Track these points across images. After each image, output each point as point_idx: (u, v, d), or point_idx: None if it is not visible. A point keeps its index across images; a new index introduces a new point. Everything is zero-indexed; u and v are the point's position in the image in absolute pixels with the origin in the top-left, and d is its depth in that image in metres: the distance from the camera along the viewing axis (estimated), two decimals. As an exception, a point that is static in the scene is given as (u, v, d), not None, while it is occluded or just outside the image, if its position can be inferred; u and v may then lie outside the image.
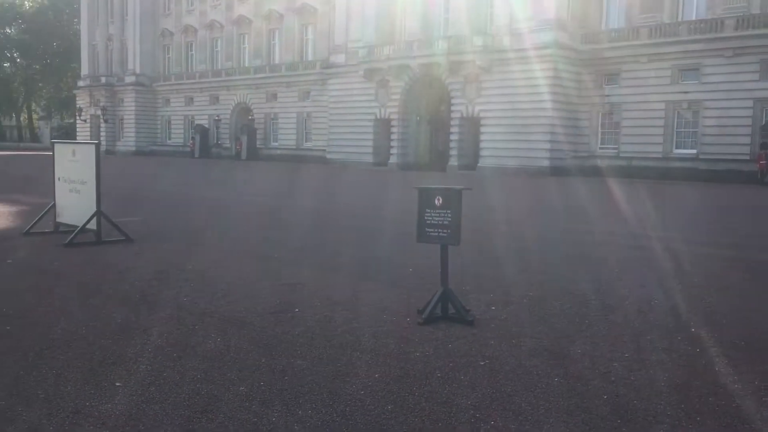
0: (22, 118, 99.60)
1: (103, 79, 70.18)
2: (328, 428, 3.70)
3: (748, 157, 33.18)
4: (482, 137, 40.39)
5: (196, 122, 62.87)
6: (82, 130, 71.84)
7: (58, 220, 10.73)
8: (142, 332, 5.43)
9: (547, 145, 37.54)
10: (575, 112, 38.64)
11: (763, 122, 32.80)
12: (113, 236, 10.06)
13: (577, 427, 3.77)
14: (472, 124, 41.24)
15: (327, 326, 5.72)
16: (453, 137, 42.09)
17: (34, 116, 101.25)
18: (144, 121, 68.20)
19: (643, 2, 37.06)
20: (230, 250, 9.97)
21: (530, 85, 37.28)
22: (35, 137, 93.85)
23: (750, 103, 33.44)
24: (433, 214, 5.97)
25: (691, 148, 35.60)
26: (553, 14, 37.15)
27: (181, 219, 14.20)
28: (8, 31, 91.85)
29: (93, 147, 10.19)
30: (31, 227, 10.80)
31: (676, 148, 36.20)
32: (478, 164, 40.02)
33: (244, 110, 60.02)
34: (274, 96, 56.43)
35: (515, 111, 38.16)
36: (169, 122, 67.32)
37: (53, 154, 10.94)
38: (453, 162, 41.41)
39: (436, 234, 5.98)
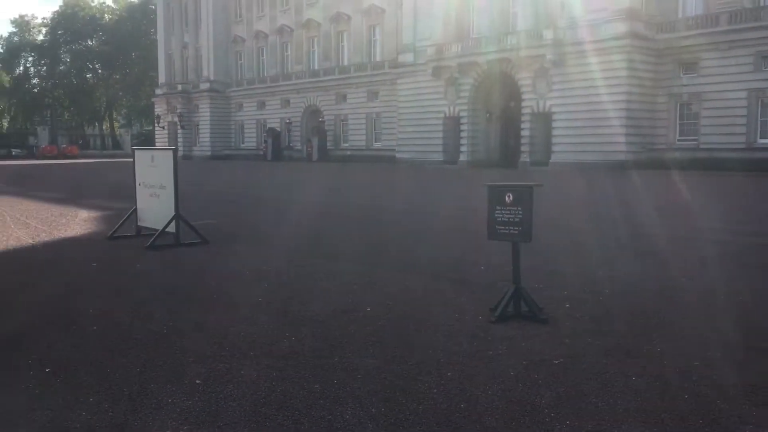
0: (104, 127, 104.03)
1: (180, 87, 72.56)
2: (401, 426, 3.71)
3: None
4: (554, 132, 39.69)
5: (268, 126, 64.21)
6: (161, 137, 74.48)
7: (140, 224, 11.14)
8: (219, 332, 5.58)
9: (623, 139, 36.56)
10: (652, 103, 37.48)
11: None
12: (191, 238, 10.38)
13: (657, 428, 3.66)
14: (544, 120, 40.58)
15: (399, 325, 5.74)
16: (524, 133, 41.53)
17: (116, 124, 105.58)
18: (218, 126, 70.12)
19: (723, -13, 35.63)
20: (302, 250, 10.13)
21: (604, 78, 36.40)
22: (117, 144, 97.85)
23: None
24: (503, 212, 5.91)
25: (777, 137, 34.00)
26: (626, 4, 36.17)
27: (255, 221, 14.52)
28: (90, 43, 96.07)
29: (170, 153, 10.54)
30: (115, 231, 11.26)
31: (761, 138, 34.60)
32: (551, 160, 39.34)
33: (314, 112, 60.91)
34: (344, 97, 57.03)
35: (589, 104, 37.33)
36: (242, 127, 68.98)
37: (134, 161, 11.38)
38: (524, 158, 40.85)
39: (507, 231, 5.92)
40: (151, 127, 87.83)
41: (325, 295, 6.91)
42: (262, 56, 66.70)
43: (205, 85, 69.93)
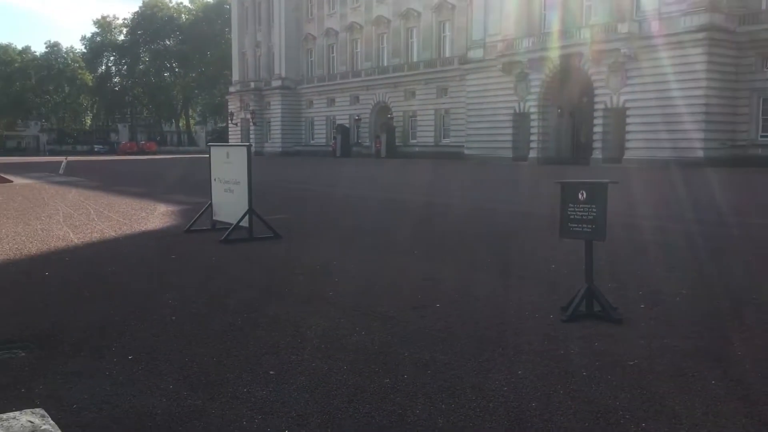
0: (180, 124, 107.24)
1: (252, 84, 74.10)
2: (471, 422, 3.71)
3: None
4: (628, 128, 38.63)
5: (338, 122, 64.85)
6: (234, 133, 76.29)
7: (215, 218, 11.46)
8: (292, 325, 5.70)
9: (701, 135, 35.25)
10: (733, 98, 36.00)
11: None
12: (263, 233, 10.61)
13: (737, 434, 3.54)
14: (617, 115, 39.55)
15: (468, 322, 5.73)
16: (596, 129, 40.59)
17: (191, 121, 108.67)
18: (289, 123, 71.27)
19: (812, -25, 33.87)
20: (372, 246, 10.21)
21: (682, 72, 35.19)
22: (192, 141, 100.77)
23: None
24: (576, 209, 5.81)
25: None
26: (706, -5, 34.85)
27: (326, 216, 14.71)
28: (168, 43, 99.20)
29: (245, 149, 10.81)
30: (192, 225, 11.62)
31: None
32: (624, 156, 38.32)
33: (383, 109, 61.16)
34: (413, 94, 57.03)
35: (665, 100, 36.15)
36: (312, 123, 69.89)
37: (209, 157, 11.71)
38: (597, 155, 39.94)
39: (580, 229, 5.82)
40: (224, 124, 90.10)
41: (395, 291, 6.95)
42: (332, 53, 67.41)
43: (276, 83, 71.19)
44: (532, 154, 43.84)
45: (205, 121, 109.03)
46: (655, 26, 36.68)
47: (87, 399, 4.08)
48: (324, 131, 67.96)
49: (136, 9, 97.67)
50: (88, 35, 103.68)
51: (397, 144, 57.65)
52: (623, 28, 37.79)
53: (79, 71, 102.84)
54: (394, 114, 59.26)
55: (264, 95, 72.97)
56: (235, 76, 78.08)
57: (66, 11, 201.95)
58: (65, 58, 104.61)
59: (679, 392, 4.09)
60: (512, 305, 6.27)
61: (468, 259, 8.99)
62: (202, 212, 11.70)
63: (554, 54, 41.66)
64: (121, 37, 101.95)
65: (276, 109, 71.44)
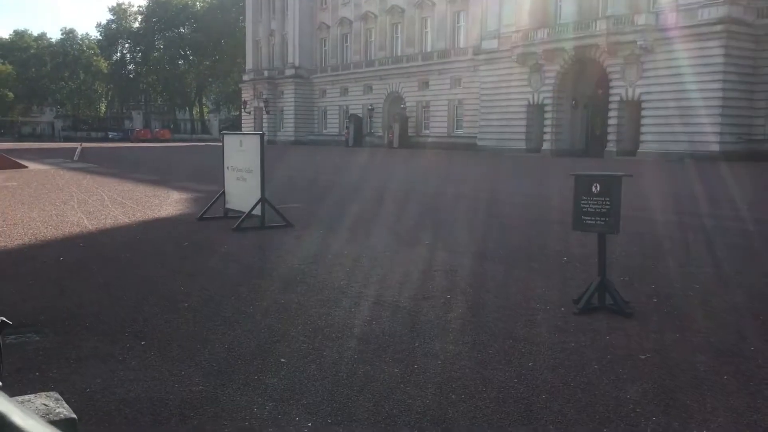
0: (194, 112, 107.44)
1: (266, 73, 74.06)
2: (480, 413, 3.72)
3: None
4: (643, 121, 38.32)
5: (351, 112, 64.72)
6: (247, 122, 76.36)
7: (227, 206, 11.50)
8: (303, 313, 5.72)
9: (718, 129, 34.89)
10: (750, 92, 35.59)
11: None
12: (276, 221, 10.64)
13: (748, 428, 3.53)
14: (633, 108, 39.24)
15: (479, 313, 5.72)
16: (611, 122, 40.30)
17: (205, 109, 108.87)
18: (302, 112, 71.21)
19: (833, -33, 33.36)
20: (384, 236, 10.21)
21: (699, 65, 34.80)
22: (206, 129, 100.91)
23: None
24: (590, 202, 5.78)
25: None
26: (724, -13, 34.41)
27: (338, 205, 14.72)
28: (182, 30, 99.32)
29: (258, 137, 10.82)
30: (204, 213, 11.67)
31: None
32: (639, 149, 38.03)
33: (396, 99, 60.97)
34: (426, 84, 56.82)
35: (681, 92, 35.79)
36: (325, 112, 69.80)
37: (222, 145, 11.74)
38: (611, 147, 39.68)
39: (593, 222, 5.79)
40: (237, 113, 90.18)
41: (406, 281, 6.96)
42: (346, 43, 67.21)
43: (290, 72, 71.11)
44: (546, 146, 43.61)
45: (218, 109, 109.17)
46: (672, 18, 36.29)
47: (100, 383, 4.12)
48: (337, 120, 67.87)
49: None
50: (103, 22, 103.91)
51: (409, 134, 57.48)
52: (640, 20, 37.41)
53: (94, 58, 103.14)
54: (407, 104, 59.06)
55: (277, 84, 72.92)
56: (249, 65, 78.05)
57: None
58: (80, 45, 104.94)
59: (691, 387, 4.07)
60: (523, 297, 6.26)
61: (480, 249, 8.97)
62: (215, 200, 11.74)
63: (569, 45, 41.33)
64: (136, 25, 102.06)
65: (289, 97, 71.38)
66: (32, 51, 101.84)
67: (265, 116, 72.55)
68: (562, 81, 43.37)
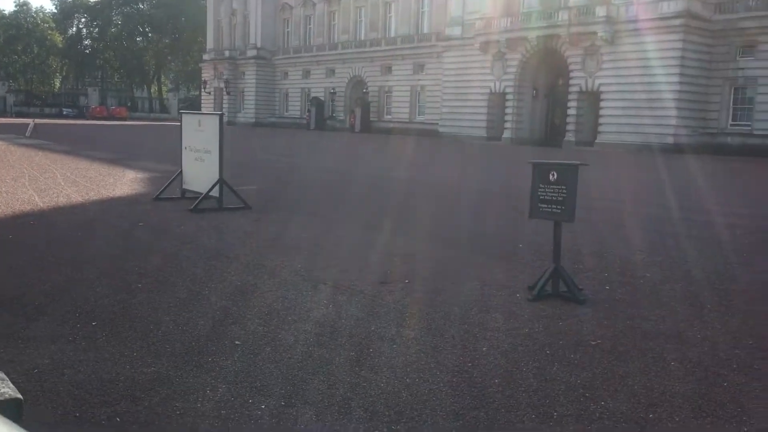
0: (152, 90, 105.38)
1: (227, 53, 72.94)
2: (434, 396, 3.75)
3: None
4: (602, 112, 38.90)
5: (312, 95, 64.24)
6: (206, 102, 75.19)
7: (185, 187, 11.33)
8: (259, 296, 5.68)
9: (673, 121, 35.64)
10: (704, 86, 36.40)
11: None
12: (234, 203, 10.53)
13: (694, 413, 3.63)
14: (592, 99, 39.78)
15: (435, 298, 5.76)
16: (570, 112, 40.81)
17: (164, 88, 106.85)
18: (263, 94, 70.41)
19: (788, -33, 34.16)
20: (343, 220, 10.19)
21: (657, 58, 35.40)
22: (164, 108, 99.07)
23: None
24: (547, 190, 5.85)
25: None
26: (684, -18, 35.01)
27: (297, 188, 14.64)
28: (141, 6, 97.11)
29: (217, 118, 10.67)
30: (161, 193, 11.48)
31: (820, 125, 33.39)
32: (597, 140, 38.63)
33: (358, 83, 60.71)
34: (389, 69, 56.68)
35: (639, 85, 36.42)
36: (287, 95, 69.16)
37: (180, 125, 11.54)
38: (570, 137, 40.20)
39: (550, 210, 5.86)
40: (197, 92, 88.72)
41: (364, 265, 6.96)
42: (309, 25, 66.54)
43: (251, 52, 70.18)
44: (506, 134, 43.97)
45: (177, 88, 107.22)
46: (633, 11, 36.82)
47: (48, 364, 4.04)
48: (298, 103, 67.30)
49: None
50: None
51: (371, 119, 57.36)
52: (601, 12, 37.86)
53: (49, 32, 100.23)
54: (370, 89, 58.87)
55: (238, 65, 71.91)
56: (210, 44, 76.74)
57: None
58: (35, 18, 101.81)
59: (640, 372, 4.17)
60: (479, 283, 6.32)
61: (438, 235, 9.02)
62: (172, 180, 11.55)
63: (532, 35, 41.64)
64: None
65: (250, 79, 70.50)
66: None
67: (225, 97, 71.54)
68: (523, 70, 43.69)
